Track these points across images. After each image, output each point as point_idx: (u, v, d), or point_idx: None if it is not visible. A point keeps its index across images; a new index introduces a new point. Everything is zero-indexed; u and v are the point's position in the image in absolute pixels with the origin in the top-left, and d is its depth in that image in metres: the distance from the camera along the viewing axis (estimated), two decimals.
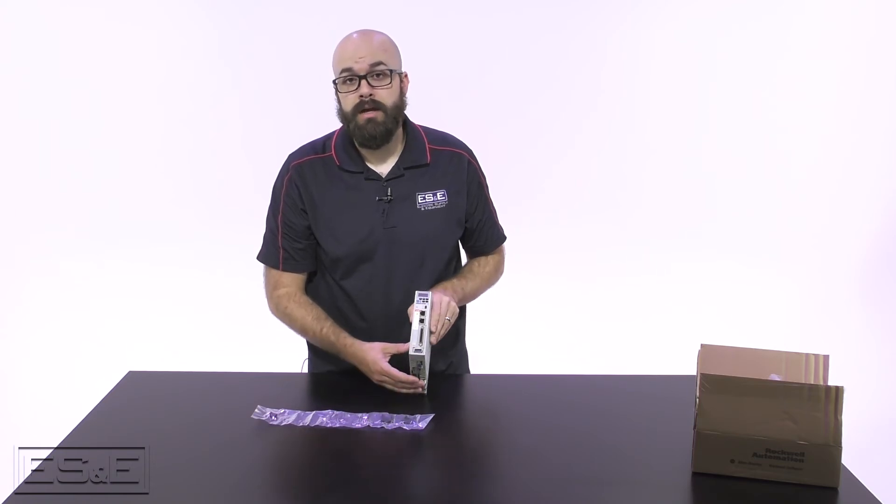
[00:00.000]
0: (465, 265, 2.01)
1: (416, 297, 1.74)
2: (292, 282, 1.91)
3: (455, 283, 1.89)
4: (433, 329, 1.72)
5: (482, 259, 2.00)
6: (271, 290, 1.92)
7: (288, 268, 1.90)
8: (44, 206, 4.08)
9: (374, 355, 1.75)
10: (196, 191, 4.10)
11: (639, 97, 4.14)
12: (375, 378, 1.77)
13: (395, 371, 1.73)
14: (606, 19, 4.09)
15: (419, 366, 1.72)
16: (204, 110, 4.06)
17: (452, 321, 1.78)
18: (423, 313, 1.71)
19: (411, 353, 1.70)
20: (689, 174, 4.16)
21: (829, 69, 4.11)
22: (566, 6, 4.06)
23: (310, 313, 1.86)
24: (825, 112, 4.12)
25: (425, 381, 1.74)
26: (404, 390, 1.75)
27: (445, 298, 1.77)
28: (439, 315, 1.74)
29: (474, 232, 1.97)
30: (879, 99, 4.11)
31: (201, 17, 4.05)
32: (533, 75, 4.09)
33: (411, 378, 1.73)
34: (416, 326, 1.71)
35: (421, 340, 1.70)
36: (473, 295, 1.95)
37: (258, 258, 1.95)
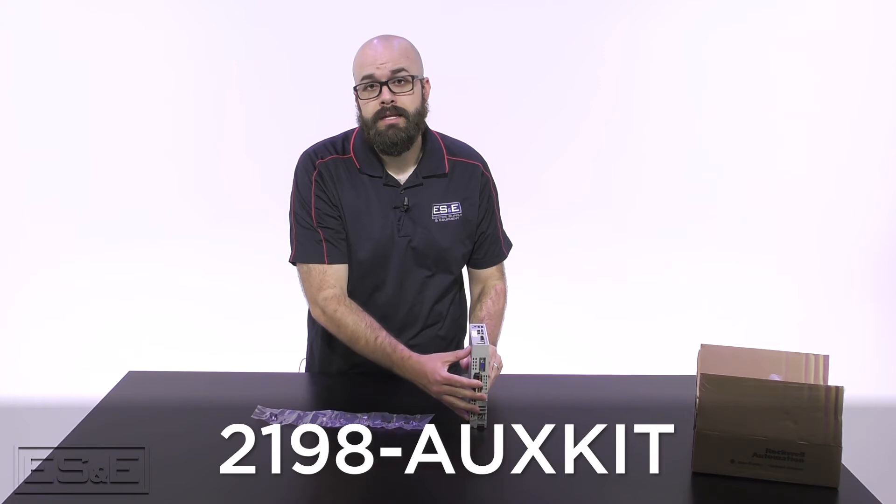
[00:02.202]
0: (481, 305, 1.94)
1: (470, 326, 1.70)
2: (337, 281, 1.81)
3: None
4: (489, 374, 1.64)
5: (493, 295, 1.95)
6: (316, 291, 1.81)
7: (334, 258, 1.81)
8: (43, 206, 4.07)
9: (433, 365, 1.66)
10: (198, 190, 4.09)
11: (637, 96, 4.13)
12: (435, 390, 1.66)
13: (457, 377, 1.63)
14: (604, 18, 4.08)
15: (482, 367, 1.61)
16: (206, 109, 4.05)
17: (499, 371, 1.72)
18: (479, 330, 1.65)
19: (474, 345, 1.61)
20: (688, 173, 4.15)
21: (829, 69, 4.10)
22: (564, 5, 4.05)
23: (362, 320, 1.77)
24: (825, 111, 4.11)
25: (486, 394, 1.61)
26: (462, 404, 1.62)
27: (493, 347, 1.73)
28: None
29: (474, 243, 1.94)
30: (879, 99, 4.10)
31: (204, 16, 4.04)
32: (530, 74, 4.08)
33: (475, 382, 1.60)
34: (475, 334, 1.64)
35: (482, 340, 1.62)
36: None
37: (294, 261, 1.85)
